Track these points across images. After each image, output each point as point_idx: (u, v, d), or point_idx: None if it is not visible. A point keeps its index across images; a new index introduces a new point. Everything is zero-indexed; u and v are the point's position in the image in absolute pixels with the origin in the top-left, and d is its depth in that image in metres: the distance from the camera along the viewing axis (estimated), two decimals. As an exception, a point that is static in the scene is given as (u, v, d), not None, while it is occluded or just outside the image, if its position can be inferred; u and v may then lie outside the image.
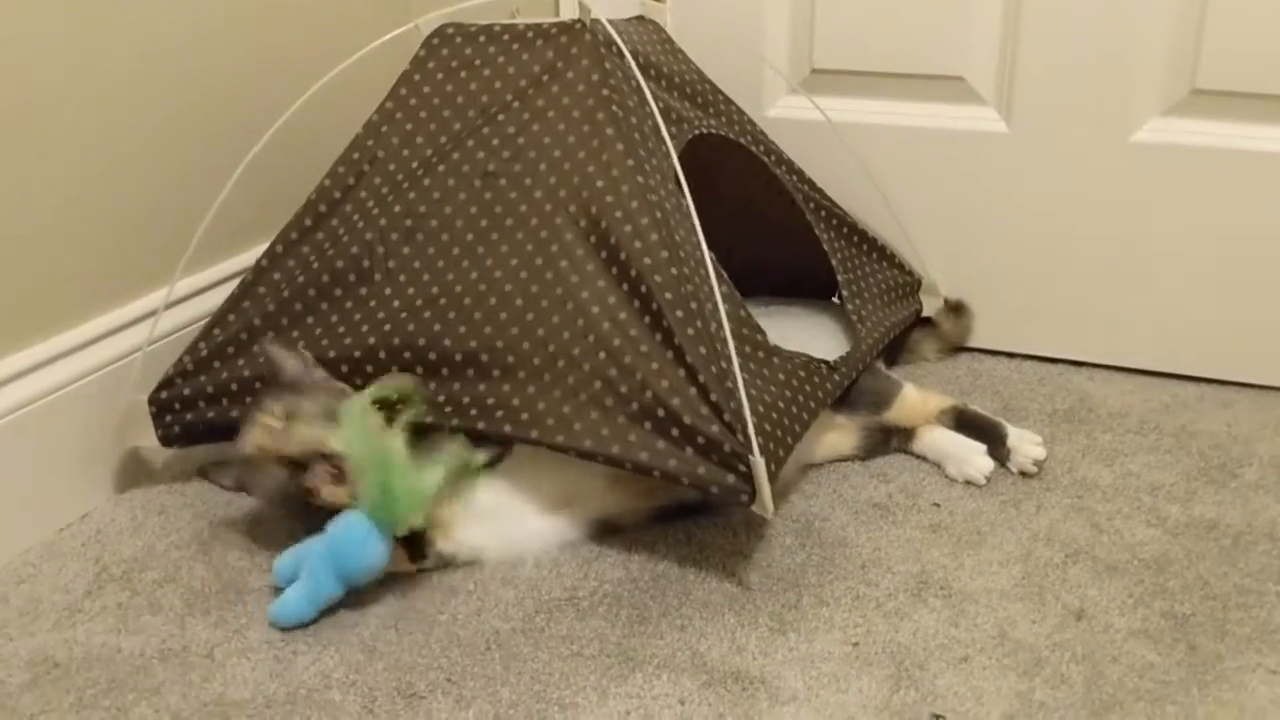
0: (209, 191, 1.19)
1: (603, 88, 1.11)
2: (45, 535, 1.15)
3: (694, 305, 1.03)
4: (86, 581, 1.08)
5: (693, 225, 1.07)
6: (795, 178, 1.36)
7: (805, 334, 1.24)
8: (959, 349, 1.48)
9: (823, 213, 1.36)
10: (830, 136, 1.44)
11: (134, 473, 1.23)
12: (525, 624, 1.00)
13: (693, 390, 1.01)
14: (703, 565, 1.08)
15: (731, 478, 1.00)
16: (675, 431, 1.01)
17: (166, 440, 1.17)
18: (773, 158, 1.34)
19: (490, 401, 1.06)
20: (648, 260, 1.04)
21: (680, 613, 1.01)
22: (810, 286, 1.43)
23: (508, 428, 1.05)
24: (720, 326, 1.03)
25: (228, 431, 1.13)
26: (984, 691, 0.91)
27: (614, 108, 1.10)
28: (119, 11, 1.17)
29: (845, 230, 1.39)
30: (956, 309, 1.47)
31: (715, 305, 1.04)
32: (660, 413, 1.01)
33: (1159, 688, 0.91)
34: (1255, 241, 1.32)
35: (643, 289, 1.04)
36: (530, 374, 1.06)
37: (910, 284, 1.45)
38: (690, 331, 1.02)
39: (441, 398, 1.08)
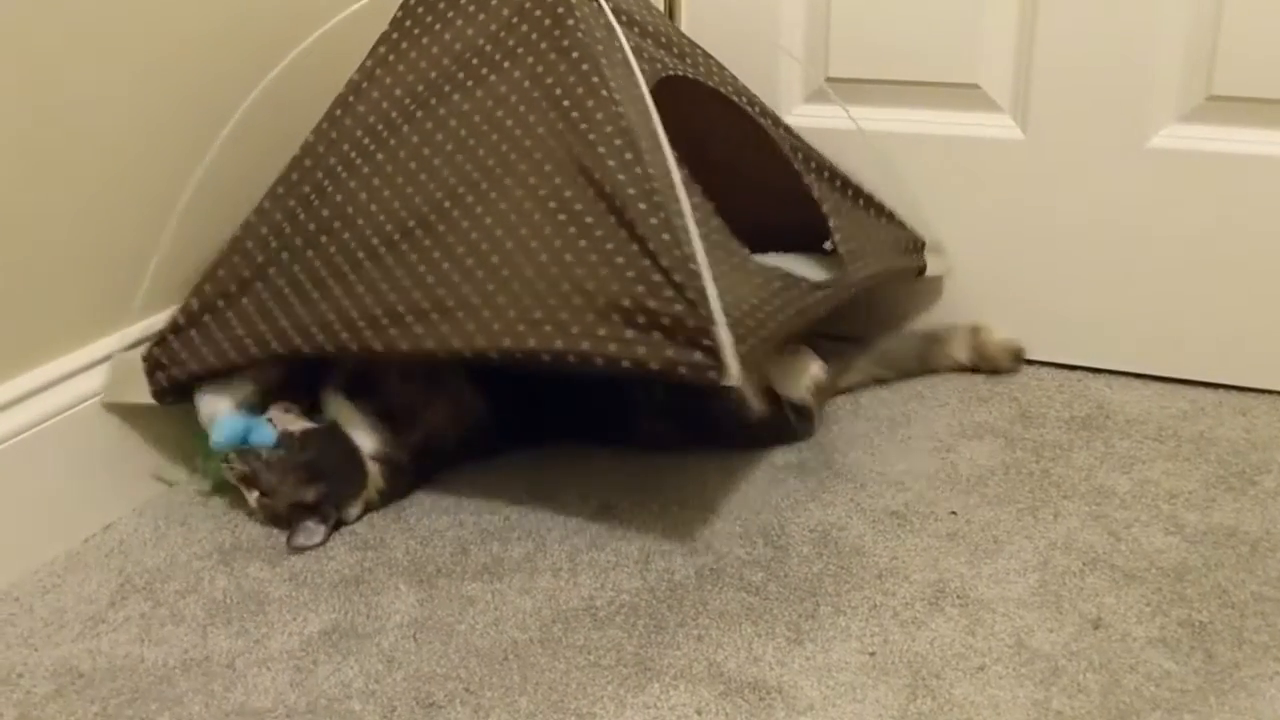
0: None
1: (569, 18, 1.13)
2: (69, 546, 1.16)
3: (658, 199, 1.05)
4: (110, 592, 1.09)
5: (659, 143, 1.07)
6: (782, 130, 1.35)
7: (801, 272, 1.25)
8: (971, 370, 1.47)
9: (812, 163, 1.35)
10: (849, 143, 1.44)
11: (157, 484, 1.24)
12: (543, 634, 1.01)
13: (657, 276, 1.02)
14: (719, 574, 1.08)
15: (698, 354, 0.99)
16: (641, 319, 1.02)
17: (159, 396, 1.18)
18: (755, 108, 1.33)
19: (461, 315, 1.08)
20: (611, 162, 1.06)
21: (697, 622, 1.02)
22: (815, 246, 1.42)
23: (481, 340, 1.06)
24: (685, 222, 1.04)
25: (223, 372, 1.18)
26: (1000, 701, 0.91)
27: (579, 34, 1.13)
28: (89, 35, 1.18)
29: (838, 183, 1.38)
30: (1017, 356, 1.46)
31: (680, 206, 1.05)
32: (626, 302, 1.02)
33: (1176, 696, 0.91)
34: (1272, 247, 1.32)
35: (606, 189, 1.06)
36: (499, 285, 1.07)
37: (913, 241, 1.44)
38: (653, 221, 1.03)
39: (410, 317, 1.09)
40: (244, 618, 1.04)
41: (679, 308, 1.00)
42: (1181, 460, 1.24)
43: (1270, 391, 1.37)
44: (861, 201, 1.40)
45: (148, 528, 1.19)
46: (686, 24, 1.50)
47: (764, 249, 1.35)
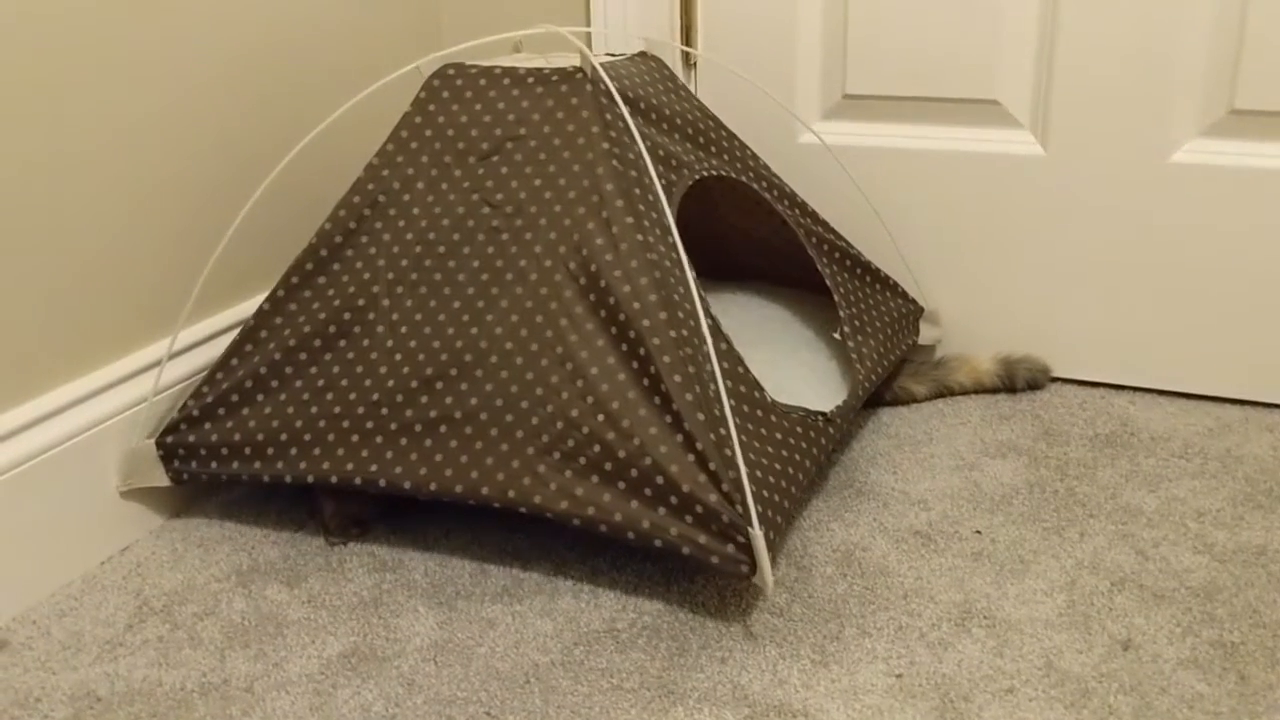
0: (220, 237, 1.20)
1: (603, 141, 1.10)
2: (86, 568, 1.15)
3: (692, 370, 1.02)
4: (127, 615, 1.08)
5: (689, 282, 1.06)
6: (798, 211, 1.34)
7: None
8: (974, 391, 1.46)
9: (825, 246, 1.34)
10: (865, 160, 1.44)
11: (174, 506, 1.24)
12: (564, 656, 1.00)
13: (690, 457, 1.00)
14: (743, 596, 1.07)
15: (731, 548, 0.99)
16: (674, 499, 1.00)
17: (177, 480, 1.18)
18: (775, 193, 1.32)
19: (489, 462, 1.06)
20: (646, 322, 1.03)
21: (721, 645, 1.00)
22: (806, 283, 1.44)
23: (511, 493, 1.04)
24: (718, 391, 1.03)
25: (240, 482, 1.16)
26: (1031, 724, 0.90)
27: (614, 162, 1.09)
28: (124, 63, 1.18)
29: (848, 264, 1.37)
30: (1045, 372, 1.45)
31: (713, 369, 1.04)
32: (659, 479, 1.00)
33: (1209, 719, 0.90)
34: (1298, 262, 1.31)
35: (641, 351, 1.03)
36: (529, 435, 1.05)
37: (913, 312, 1.44)
38: (689, 397, 1.01)
39: (439, 456, 1.07)
40: (262, 640, 1.04)
41: (714, 498, 0.99)
42: (1208, 478, 1.23)
43: (1297, 408, 1.35)
44: (868, 278, 1.39)
45: (165, 550, 1.18)
46: (702, 44, 1.49)
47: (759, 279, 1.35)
